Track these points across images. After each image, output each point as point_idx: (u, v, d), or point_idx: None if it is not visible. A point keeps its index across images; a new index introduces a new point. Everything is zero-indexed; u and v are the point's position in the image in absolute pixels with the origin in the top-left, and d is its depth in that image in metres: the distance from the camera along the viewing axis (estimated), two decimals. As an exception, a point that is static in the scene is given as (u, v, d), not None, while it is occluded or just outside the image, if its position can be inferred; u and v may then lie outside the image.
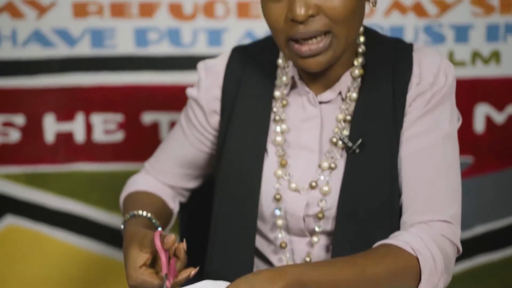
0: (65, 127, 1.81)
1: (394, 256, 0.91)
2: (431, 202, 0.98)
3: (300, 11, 0.91)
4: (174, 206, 1.20)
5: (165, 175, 1.19)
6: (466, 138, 1.72)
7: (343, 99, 1.04)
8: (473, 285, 1.83)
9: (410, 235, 0.94)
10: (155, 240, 0.88)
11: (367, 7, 1.00)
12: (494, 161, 1.76)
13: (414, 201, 0.99)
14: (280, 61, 1.08)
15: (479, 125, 1.73)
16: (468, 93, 1.70)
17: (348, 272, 0.87)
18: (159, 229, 1.03)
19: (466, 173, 1.80)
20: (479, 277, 1.85)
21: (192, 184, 1.22)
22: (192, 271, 0.92)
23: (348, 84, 1.03)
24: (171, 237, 0.89)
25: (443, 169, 0.99)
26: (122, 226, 1.06)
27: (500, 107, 1.71)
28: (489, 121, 1.73)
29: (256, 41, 1.18)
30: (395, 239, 0.94)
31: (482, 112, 1.72)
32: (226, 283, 0.86)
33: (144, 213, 1.05)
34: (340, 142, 1.02)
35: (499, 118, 1.72)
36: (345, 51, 0.99)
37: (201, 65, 1.13)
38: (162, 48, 1.71)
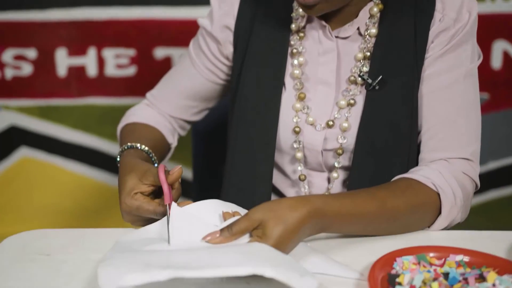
0: (77, 61, 1.79)
1: (415, 191, 0.91)
2: (451, 140, 0.98)
3: None
4: (173, 141, 1.18)
5: (169, 105, 1.17)
6: (483, 75, 1.70)
7: (361, 35, 1.02)
8: (485, 218, 1.86)
9: (430, 170, 0.94)
10: (159, 174, 0.88)
11: None
12: (509, 98, 1.74)
13: (434, 138, 0.98)
14: None
15: (496, 62, 1.70)
16: (486, 30, 1.68)
17: (369, 204, 0.87)
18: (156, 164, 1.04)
19: (481, 109, 1.81)
20: (491, 211, 1.88)
21: (195, 117, 1.19)
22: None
23: (366, 20, 1.01)
24: (178, 171, 0.89)
25: (464, 107, 0.98)
26: (118, 156, 1.04)
27: (518, 43, 1.69)
28: (506, 57, 1.71)
29: None
30: (415, 173, 0.94)
31: (499, 48, 1.69)
32: (237, 207, 0.87)
33: (142, 146, 1.04)
34: (359, 79, 1.01)
35: (517, 54, 1.70)
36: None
37: None
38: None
